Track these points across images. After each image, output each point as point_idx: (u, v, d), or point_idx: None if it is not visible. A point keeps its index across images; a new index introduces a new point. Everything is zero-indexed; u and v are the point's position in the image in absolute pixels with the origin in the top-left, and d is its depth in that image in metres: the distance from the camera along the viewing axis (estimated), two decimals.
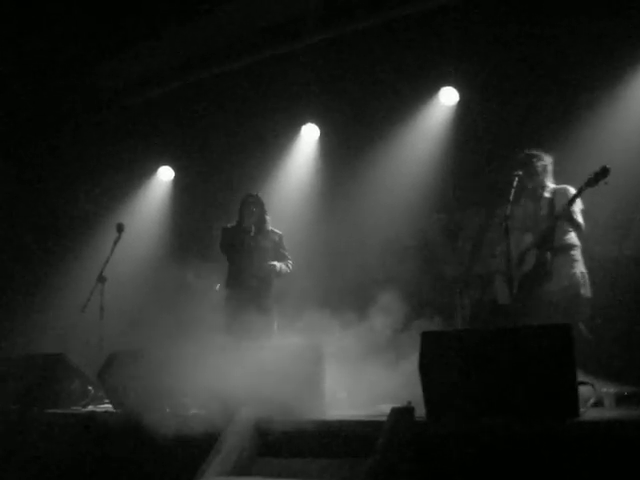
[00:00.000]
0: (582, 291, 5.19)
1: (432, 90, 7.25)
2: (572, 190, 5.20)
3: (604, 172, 4.88)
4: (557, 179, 5.55)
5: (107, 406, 5.39)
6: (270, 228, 6.37)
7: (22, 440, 4.93)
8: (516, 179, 5.30)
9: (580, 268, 5.25)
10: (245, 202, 6.33)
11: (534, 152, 5.49)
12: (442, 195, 7.27)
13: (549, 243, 5.23)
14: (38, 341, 7.20)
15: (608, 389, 4.21)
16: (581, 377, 3.67)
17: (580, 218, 5.22)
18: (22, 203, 8.35)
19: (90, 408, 5.47)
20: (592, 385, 3.94)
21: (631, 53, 6.05)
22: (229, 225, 6.44)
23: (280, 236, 6.41)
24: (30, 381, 5.43)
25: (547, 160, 5.50)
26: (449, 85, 7.17)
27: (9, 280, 8.03)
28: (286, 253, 6.40)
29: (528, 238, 5.37)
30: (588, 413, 3.59)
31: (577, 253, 5.30)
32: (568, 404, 3.43)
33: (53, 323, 7.48)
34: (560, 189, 5.36)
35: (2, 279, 8.07)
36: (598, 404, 4.05)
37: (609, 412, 3.94)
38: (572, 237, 5.30)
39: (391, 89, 7.29)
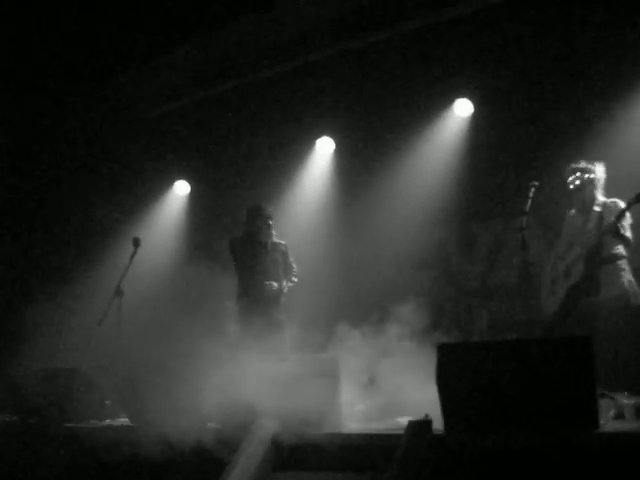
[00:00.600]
0: (633, 299, 5.12)
1: (447, 102, 7.25)
2: (622, 204, 5.11)
3: None
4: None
5: (124, 420, 5.39)
6: (277, 240, 6.39)
7: (40, 455, 4.94)
8: (532, 189, 5.27)
9: (628, 277, 5.19)
10: (260, 215, 6.31)
11: (582, 165, 5.36)
12: (458, 207, 7.25)
13: (597, 257, 5.15)
14: (55, 355, 7.23)
15: (629, 400, 4.16)
16: (602, 389, 3.63)
17: (629, 232, 5.12)
18: (38, 217, 8.41)
19: (108, 422, 5.47)
20: (612, 397, 3.90)
21: None
22: (237, 237, 6.43)
23: (286, 246, 6.44)
24: (47, 395, 5.44)
25: (598, 172, 5.36)
26: (463, 97, 7.16)
27: (25, 294, 8.07)
28: (293, 264, 6.42)
29: (576, 250, 5.31)
30: (608, 425, 3.54)
31: (623, 262, 5.21)
32: (588, 416, 3.39)
33: (70, 337, 7.50)
34: (610, 203, 5.26)
35: (18, 293, 8.12)
36: (619, 416, 4.00)
37: (630, 424, 3.89)
38: (619, 248, 5.22)
39: (406, 101, 7.30)
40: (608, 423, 3.58)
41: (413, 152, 7.40)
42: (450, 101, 7.23)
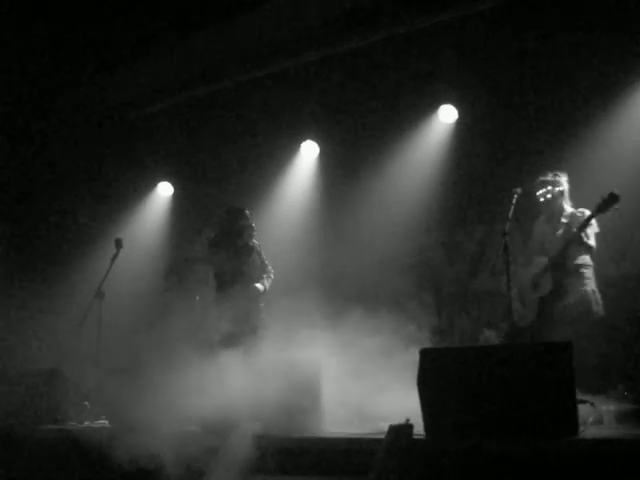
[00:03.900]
0: (594, 308, 5.21)
1: (431, 108, 7.27)
2: (588, 213, 5.22)
3: (613, 198, 4.93)
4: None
5: (103, 422, 5.35)
6: (254, 241, 6.39)
7: (16, 456, 4.89)
8: (515, 196, 5.32)
9: (591, 286, 5.28)
10: (245, 218, 6.31)
11: (551, 178, 5.48)
12: (441, 212, 7.27)
13: (562, 266, 5.27)
14: (35, 355, 7.16)
15: (608, 407, 4.18)
16: (581, 395, 3.65)
17: (592, 241, 5.25)
18: (20, 217, 8.33)
19: (86, 424, 5.43)
20: (592, 403, 3.92)
21: (631, 70, 6.08)
22: (215, 237, 6.38)
23: (259, 245, 6.42)
24: (26, 396, 5.39)
25: (564, 183, 5.49)
26: (448, 103, 7.19)
27: (6, 294, 8.00)
28: (266, 262, 6.40)
29: (542, 260, 5.42)
30: (587, 431, 3.56)
31: (589, 272, 5.32)
32: (567, 422, 3.41)
33: (50, 337, 7.44)
34: (576, 213, 5.39)
35: None
36: (598, 422, 4.02)
37: (608, 430, 3.92)
38: (584, 258, 5.32)
39: (390, 107, 7.32)
40: (587, 429, 3.60)
41: (397, 157, 7.42)
42: (435, 107, 7.25)
